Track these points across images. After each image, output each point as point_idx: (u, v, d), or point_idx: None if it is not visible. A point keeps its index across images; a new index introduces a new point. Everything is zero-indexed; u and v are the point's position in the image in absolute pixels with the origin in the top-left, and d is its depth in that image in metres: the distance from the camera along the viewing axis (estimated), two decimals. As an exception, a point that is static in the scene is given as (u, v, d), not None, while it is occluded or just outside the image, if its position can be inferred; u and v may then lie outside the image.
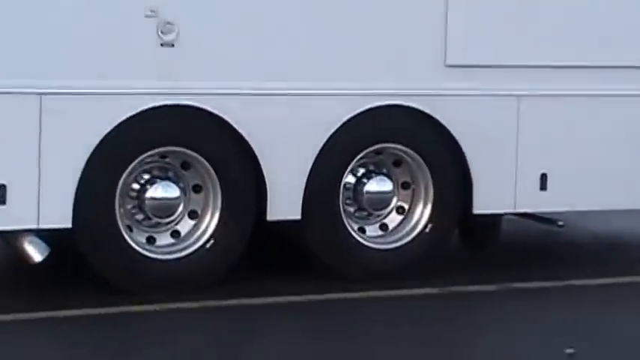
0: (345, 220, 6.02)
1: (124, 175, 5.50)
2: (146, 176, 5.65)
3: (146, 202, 5.61)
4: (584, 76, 6.30)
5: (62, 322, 5.15)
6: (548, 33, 6.15)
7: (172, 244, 5.70)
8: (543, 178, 6.20)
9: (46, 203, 5.29)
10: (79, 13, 5.34)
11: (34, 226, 5.34)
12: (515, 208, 6.30)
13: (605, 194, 6.34)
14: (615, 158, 6.34)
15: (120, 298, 5.36)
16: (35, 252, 5.42)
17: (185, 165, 5.70)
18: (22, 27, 5.23)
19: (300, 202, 5.76)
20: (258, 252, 5.96)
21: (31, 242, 5.42)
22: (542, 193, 6.23)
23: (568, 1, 6.28)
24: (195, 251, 5.64)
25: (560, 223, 6.44)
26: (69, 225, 5.35)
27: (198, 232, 5.69)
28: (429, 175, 6.11)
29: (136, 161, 5.52)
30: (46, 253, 5.42)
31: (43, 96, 5.19)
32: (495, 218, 6.41)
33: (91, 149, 5.32)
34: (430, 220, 6.15)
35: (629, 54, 6.32)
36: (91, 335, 4.97)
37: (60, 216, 5.32)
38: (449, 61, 5.98)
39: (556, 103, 6.23)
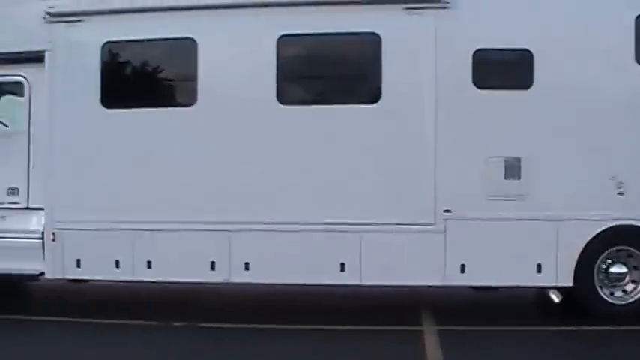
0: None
1: (599, 259, 10.03)
2: (609, 261, 10.11)
3: (609, 274, 10.14)
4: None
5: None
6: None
7: (623, 296, 10.11)
8: None
9: (561, 271, 9.80)
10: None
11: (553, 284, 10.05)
12: None
13: None
14: None
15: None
16: (556, 296, 10.21)
17: (629, 255, 10.07)
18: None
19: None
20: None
21: (553, 292, 10.23)
22: None
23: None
24: (635, 300, 10.12)
25: None
26: (570, 284, 9.92)
27: (636, 290, 10.19)
28: (650, 263, 9.98)
29: (604, 253, 10.02)
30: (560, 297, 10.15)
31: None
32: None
33: (582, 247, 9.82)
34: (653, 288, 9.97)
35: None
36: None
37: (567, 278, 9.84)
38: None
39: None
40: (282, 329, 9.98)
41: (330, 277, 10.15)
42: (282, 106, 10.26)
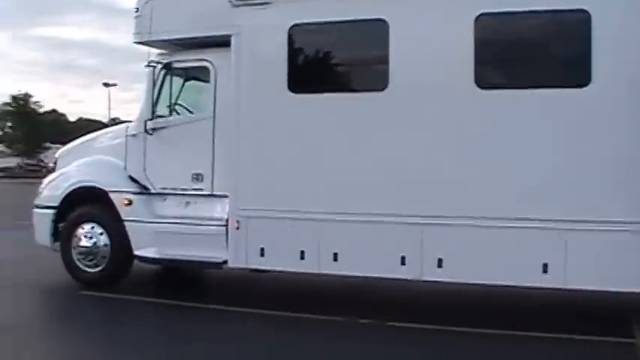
0: None
1: None
2: None
3: None
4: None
5: None
6: None
7: None
8: None
9: None
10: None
11: None
12: None
13: None
14: None
15: None
16: None
17: None
18: None
19: None
20: None
21: None
22: None
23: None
24: None
25: None
26: None
27: None
28: None
29: None
30: None
31: None
32: None
33: None
34: None
35: None
36: None
37: None
38: None
39: None
40: (476, 333, 9.35)
41: (531, 278, 9.34)
42: (480, 90, 9.55)
